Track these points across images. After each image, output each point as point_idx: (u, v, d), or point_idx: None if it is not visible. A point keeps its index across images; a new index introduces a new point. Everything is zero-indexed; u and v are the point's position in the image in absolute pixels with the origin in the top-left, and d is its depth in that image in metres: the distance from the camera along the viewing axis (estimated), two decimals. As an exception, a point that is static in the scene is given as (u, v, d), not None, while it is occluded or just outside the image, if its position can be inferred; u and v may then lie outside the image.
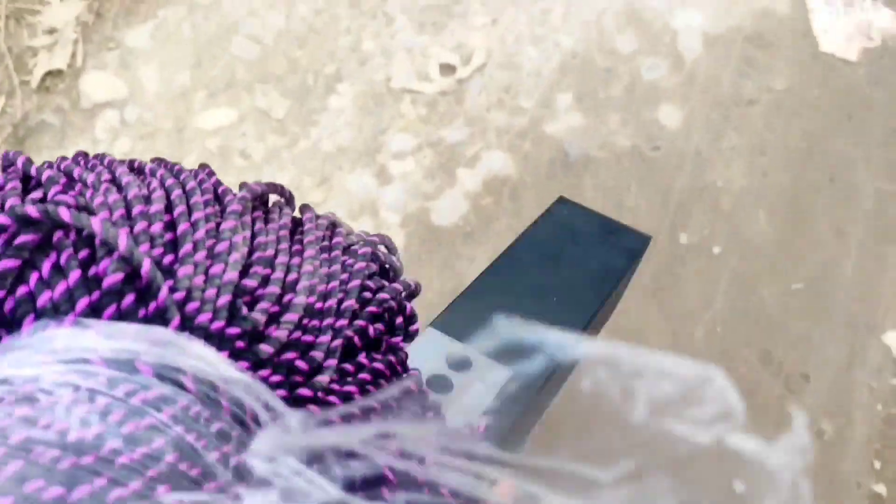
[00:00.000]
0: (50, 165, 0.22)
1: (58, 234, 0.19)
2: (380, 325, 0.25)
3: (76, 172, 0.21)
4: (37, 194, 0.20)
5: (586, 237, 0.43)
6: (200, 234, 0.20)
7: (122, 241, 0.18)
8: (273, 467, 0.18)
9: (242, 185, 0.24)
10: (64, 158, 0.24)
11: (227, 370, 0.19)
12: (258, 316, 0.20)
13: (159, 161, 0.24)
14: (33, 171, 0.21)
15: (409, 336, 0.26)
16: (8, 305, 0.18)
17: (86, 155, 0.24)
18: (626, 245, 0.43)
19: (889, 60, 1.04)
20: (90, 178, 0.21)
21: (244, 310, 0.20)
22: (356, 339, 0.24)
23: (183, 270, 0.19)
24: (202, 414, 0.18)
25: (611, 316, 0.47)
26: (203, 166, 0.26)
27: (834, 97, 0.98)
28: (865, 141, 0.95)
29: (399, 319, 0.26)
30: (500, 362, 0.35)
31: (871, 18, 1.07)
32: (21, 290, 0.18)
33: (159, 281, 0.18)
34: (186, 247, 0.20)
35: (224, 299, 0.20)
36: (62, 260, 0.18)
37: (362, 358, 0.24)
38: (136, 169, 0.23)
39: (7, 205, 0.19)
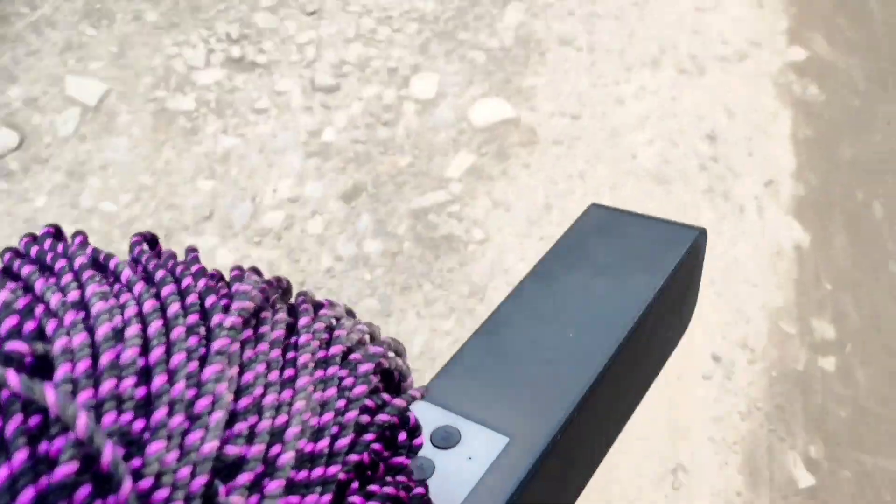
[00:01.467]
0: (6, 260, 0.19)
1: (6, 394, 0.16)
2: (377, 446, 0.22)
3: (38, 286, 0.18)
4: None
5: (625, 241, 0.39)
6: (179, 387, 0.17)
7: (82, 424, 0.15)
8: None
9: (236, 292, 0.21)
10: (29, 244, 0.20)
11: None
12: (237, 500, 0.17)
13: (136, 257, 0.21)
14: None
15: (413, 451, 0.24)
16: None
17: (54, 237, 0.20)
18: (674, 240, 0.39)
19: None
20: (53, 299, 0.18)
21: (221, 492, 0.17)
22: (349, 475, 0.21)
23: (154, 446, 0.16)
24: None
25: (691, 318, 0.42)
26: (191, 252, 0.22)
27: None
28: None
29: (402, 436, 0.23)
30: (495, 428, 0.31)
31: None
32: (-48, 474, 0.15)
33: (121, 473, 0.15)
34: (161, 411, 0.17)
35: (199, 481, 0.16)
36: (7, 431, 0.15)
37: (356, 498, 0.21)
38: (110, 273, 0.20)
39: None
